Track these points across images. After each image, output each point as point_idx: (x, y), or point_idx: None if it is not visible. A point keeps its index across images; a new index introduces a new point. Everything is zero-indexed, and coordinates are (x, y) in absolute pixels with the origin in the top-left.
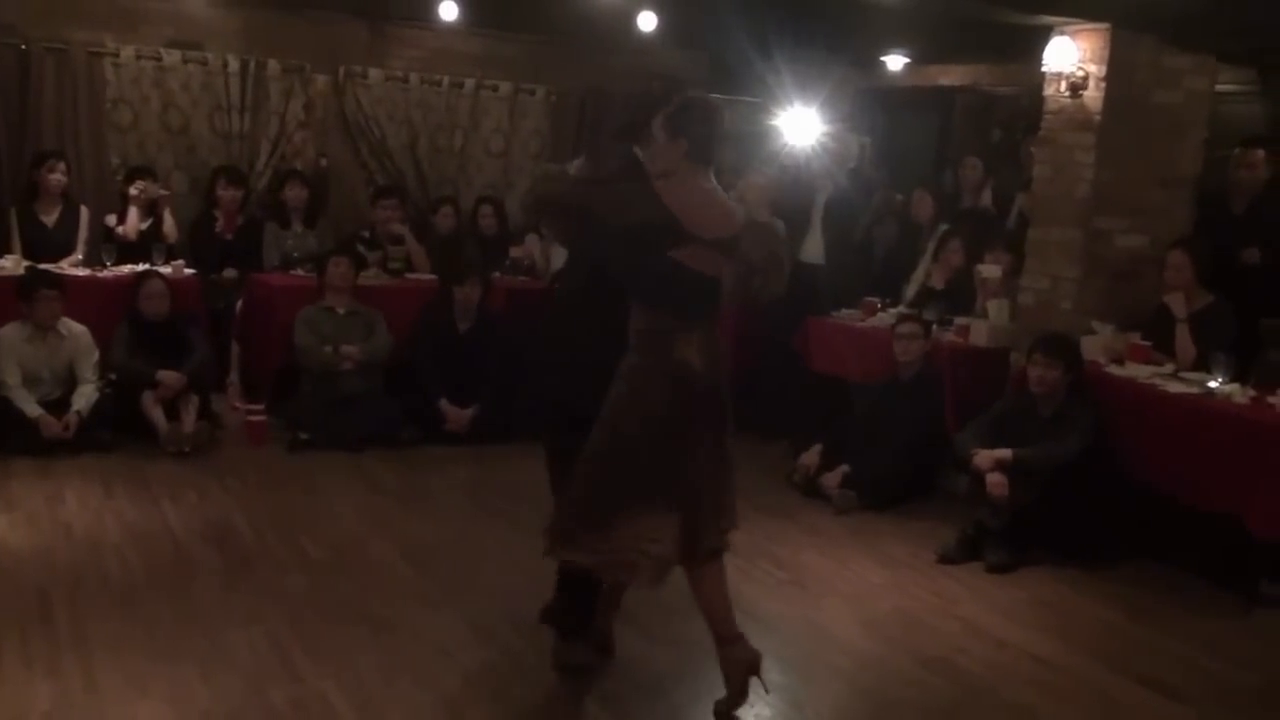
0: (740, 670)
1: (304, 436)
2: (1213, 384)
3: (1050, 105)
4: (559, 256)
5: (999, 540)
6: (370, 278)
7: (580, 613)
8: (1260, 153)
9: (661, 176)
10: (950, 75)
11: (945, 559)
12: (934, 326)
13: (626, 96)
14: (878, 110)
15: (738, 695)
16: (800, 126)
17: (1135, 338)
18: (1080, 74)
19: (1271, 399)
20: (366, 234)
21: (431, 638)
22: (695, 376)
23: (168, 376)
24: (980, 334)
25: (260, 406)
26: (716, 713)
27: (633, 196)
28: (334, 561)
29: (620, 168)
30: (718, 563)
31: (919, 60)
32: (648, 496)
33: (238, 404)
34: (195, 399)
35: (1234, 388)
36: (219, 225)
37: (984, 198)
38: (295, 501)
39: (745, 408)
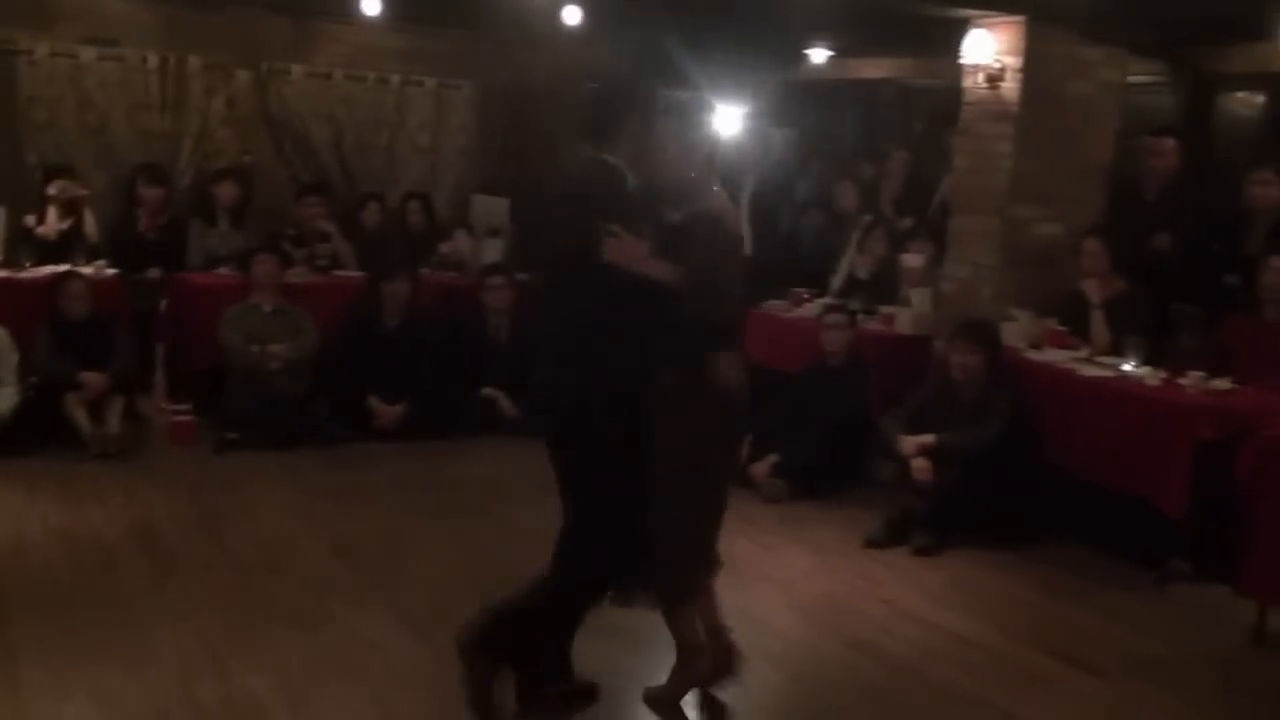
0: (691, 680)
1: (231, 436)
2: (1126, 367)
3: (969, 97)
4: (491, 250)
5: (924, 524)
6: (296, 276)
7: (551, 652)
8: (1170, 141)
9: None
10: (873, 68)
11: (872, 543)
12: (859, 316)
13: (596, 96)
14: (803, 103)
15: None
16: (725, 121)
17: (1052, 323)
18: (997, 66)
19: (1182, 381)
20: (292, 232)
21: (361, 633)
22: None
23: (90, 378)
24: (904, 322)
25: (187, 407)
26: (646, 699)
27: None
28: (262, 560)
29: (593, 174)
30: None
31: (842, 54)
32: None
33: (164, 404)
34: (120, 400)
35: (1146, 371)
36: (141, 224)
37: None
38: (223, 501)
39: None
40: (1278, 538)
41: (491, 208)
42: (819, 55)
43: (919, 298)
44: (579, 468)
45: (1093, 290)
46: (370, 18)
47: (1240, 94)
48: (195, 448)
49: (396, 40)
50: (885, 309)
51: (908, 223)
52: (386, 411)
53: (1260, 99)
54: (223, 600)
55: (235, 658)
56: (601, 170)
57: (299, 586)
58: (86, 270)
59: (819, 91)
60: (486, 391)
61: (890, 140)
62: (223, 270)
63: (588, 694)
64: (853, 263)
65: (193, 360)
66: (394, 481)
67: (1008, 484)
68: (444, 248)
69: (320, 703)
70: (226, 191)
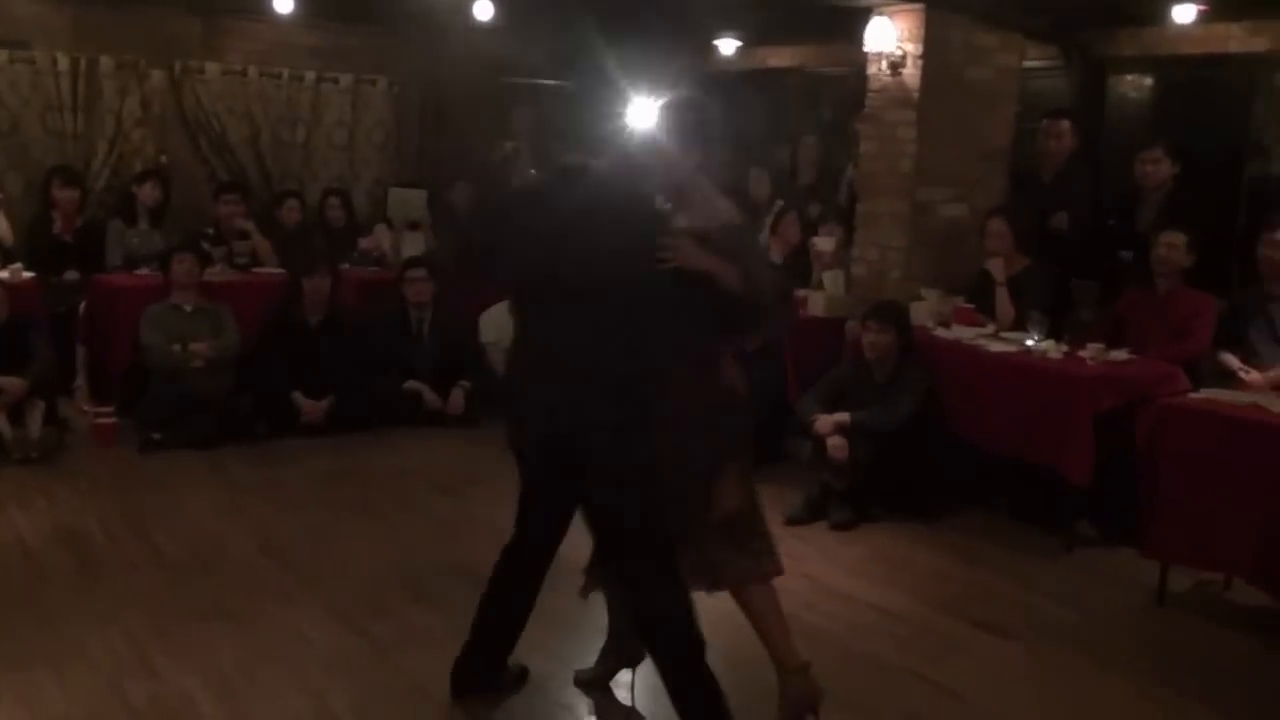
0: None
1: (155, 437)
2: (1030, 342)
3: (873, 84)
4: (411, 244)
5: (842, 500)
6: (216, 274)
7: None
8: (1066, 123)
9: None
10: (780, 57)
11: (792, 521)
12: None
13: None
14: (713, 94)
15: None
16: (642, 113)
17: (959, 302)
18: (899, 53)
19: (1082, 353)
20: (211, 230)
21: (292, 628)
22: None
23: (8, 383)
24: (818, 305)
25: (109, 408)
26: (576, 682)
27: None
28: (190, 559)
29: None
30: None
31: (750, 43)
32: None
33: (86, 407)
34: (40, 404)
35: (1049, 344)
36: (57, 227)
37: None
38: (148, 501)
39: None
40: (1177, 501)
41: (409, 200)
42: (728, 46)
43: (831, 280)
44: (616, 494)
45: (997, 268)
46: (282, 15)
47: (1130, 77)
48: (119, 449)
49: (310, 37)
50: (800, 292)
51: (818, 208)
52: (311, 407)
53: (1148, 81)
54: (151, 600)
55: (165, 657)
56: (627, 182)
57: (228, 584)
58: (2, 274)
59: (729, 82)
60: (410, 384)
61: (799, 128)
62: (143, 270)
63: (519, 677)
64: (767, 247)
65: (114, 362)
66: (320, 476)
67: (921, 458)
68: (364, 243)
69: (252, 697)
70: (148, 192)
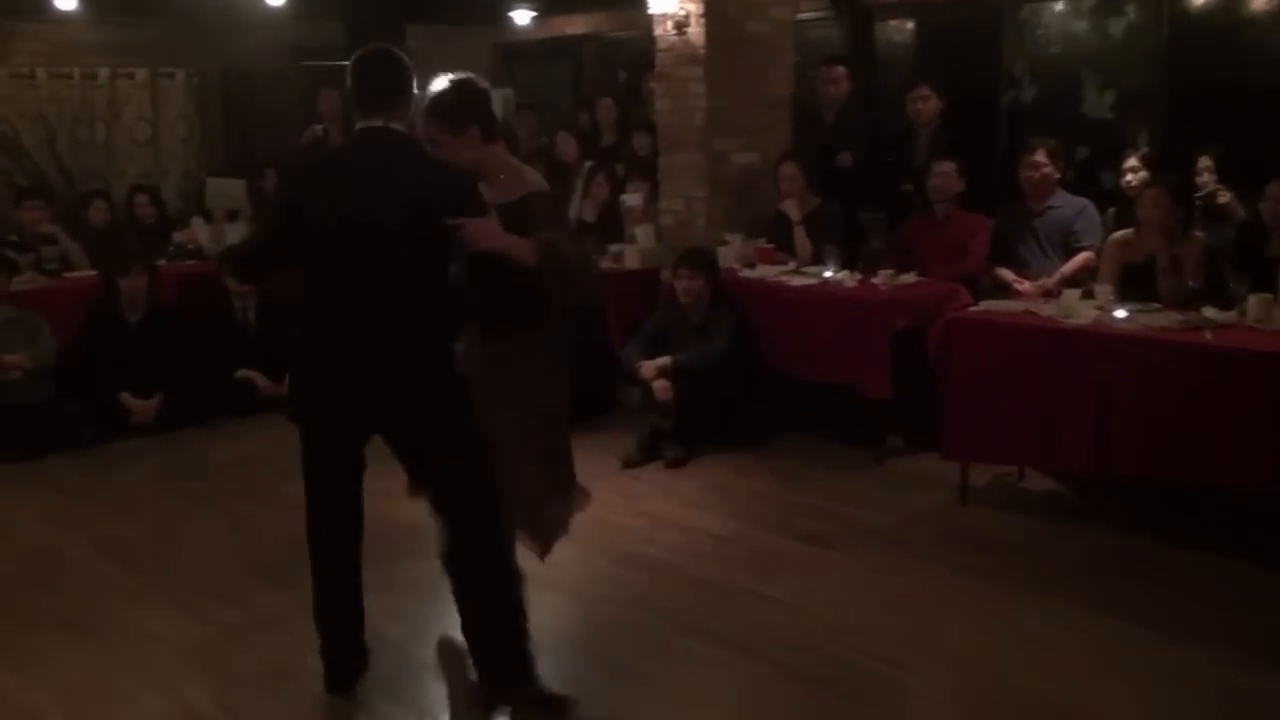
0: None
1: None
2: (827, 274)
3: (661, 44)
4: (232, 234)
5: (672, 439)
6: (25, 282)
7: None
8: (841, 69)
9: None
10: (575, 25)
11: (629, 464)
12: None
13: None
14: (515, 63)
15: None
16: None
17: (761, 243)
18: (683, 13)
19: (875, 280)
20: (14, 238)
21: (140, 627)
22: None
23: None
24: (633, 258)
25: None
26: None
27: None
28: (23, 572)
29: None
30: None
31: (545, 13)
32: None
33: None
34: None
35: (844, 274)
36: None
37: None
38: None
39: None
40: (969, 405)
41: (227, 190)
42: (523, 16)
43: (642, 234)
44: (451, 452)
45: (792, 209)
46: (66, 13)
47: (893, 22)
48: None
49: (99, 34)
50: (614, 248)
51: (622, 168)
52: (140, 406)
53: (910, 25)
54: None
55: (8, 675)
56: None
57: (69, 594)
58: None
59: (527, 51)
60: (242, 373)
61: (599, 91)
62: None
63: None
64: (579, 208)
65: None
66: (158, 474)
67: (740, 391)
68: (178, 237)
69: (106, 704)
70: None
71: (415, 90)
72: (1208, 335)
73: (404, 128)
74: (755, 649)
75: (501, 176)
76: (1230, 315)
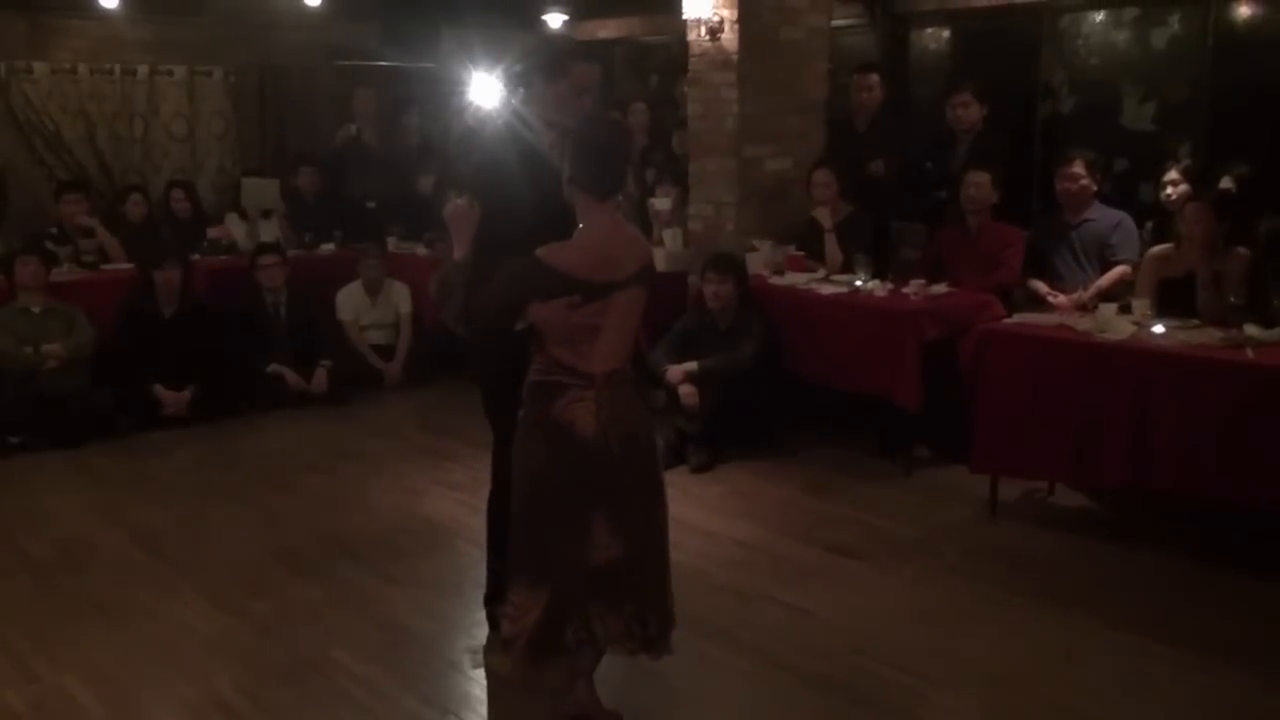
0: None
1: (14, 440)
2: (858, 282)
3: (694, 49)
4: (266, 231)
5: (698, 444)
6: (64, 273)
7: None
8: (875, 76)
9: None
10: (607, 29)
11: None
12: None
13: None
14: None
15: None
16: (483, 90)
17: (791, 250)
18: (716, 19)
19: (906, 290)
20: (54, 230)
21: (171, 616)
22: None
23: None
24: (660, 261)
25: None
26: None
27: None
28: (59, 559)
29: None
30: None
31: (577, 17)
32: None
33: None
34: None
35: (875, 283)
36: None
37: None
38: (11, 505)
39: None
40: (1000, 418)
41: (262, 189)
42: (555, 20)
43: (671, 237)
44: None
45: (824, 216)
46: (109, 10)
47: (929, 30)
48: None
49: (139, 31)
50: None
51: (653, 172)
52: (172, 398)
53: (946, 34)
54: (22, 605)
55: (42, 660)
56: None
57: (102, 581)
58: None
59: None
60: (272, 368)
61: (629, 95)
62: None
63: None
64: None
65: None
66: (189, 465)
67: (768, 398)
68: (213, 232)
69: (137, 690)
70: None
71: None
72: (1250, 353)
73: None
74: (778, 657)
75: None
76: (1274, 333)
